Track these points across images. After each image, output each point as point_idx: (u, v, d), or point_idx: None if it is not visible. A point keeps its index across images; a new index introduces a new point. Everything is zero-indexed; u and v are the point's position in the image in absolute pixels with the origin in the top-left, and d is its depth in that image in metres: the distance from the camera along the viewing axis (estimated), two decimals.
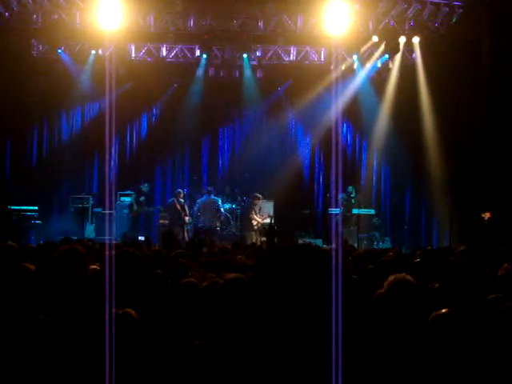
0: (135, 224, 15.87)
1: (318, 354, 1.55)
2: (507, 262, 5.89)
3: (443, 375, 3.14)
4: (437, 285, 4.49)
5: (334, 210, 15.54)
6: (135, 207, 15.84)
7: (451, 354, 3.22)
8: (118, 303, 3.30)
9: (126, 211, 16.02)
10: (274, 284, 1.54)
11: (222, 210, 15.86)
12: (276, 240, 11.71)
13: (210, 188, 16.18)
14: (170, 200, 16.01)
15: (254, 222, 15.39)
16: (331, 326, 1.54)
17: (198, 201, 15.94)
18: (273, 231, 12.12)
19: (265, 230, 14.70)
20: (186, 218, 15.34)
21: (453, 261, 5.57)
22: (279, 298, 1.53)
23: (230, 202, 16.43)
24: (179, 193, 15.62)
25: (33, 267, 4.50)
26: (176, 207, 15.28)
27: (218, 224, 15.73)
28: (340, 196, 15.22)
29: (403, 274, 3.83)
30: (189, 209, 15.79)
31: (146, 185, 16.21)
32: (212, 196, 15.81)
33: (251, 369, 1.59)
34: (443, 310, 3.38)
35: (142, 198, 16.00)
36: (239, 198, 16.51)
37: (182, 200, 15.52)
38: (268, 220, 15.84)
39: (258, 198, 15.60)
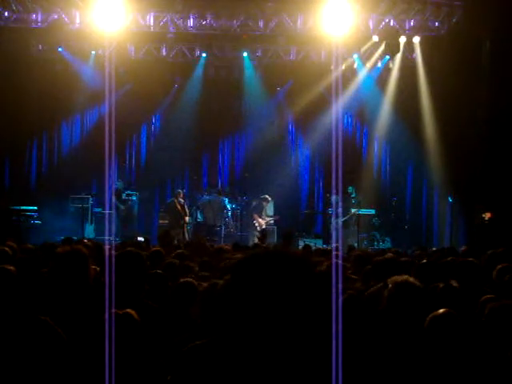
0: (128, 223, 15.83)
1: (299, 350, 1.60)
2: (507, 262, 5.88)
3: (442, 376, 3.13)
4: (441, 285, 4.47)
5: (331, 211, 15.57)
6: (121, 207, 15.81)
7: (449, 354, 3.20)
8: (120, 303, 3.29)
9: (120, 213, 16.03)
10: (248, 289, 1.61)
11: (228, 209, 15.87)
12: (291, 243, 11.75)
13: (219, 188, 16.27)
14: (169, 200, 16.01)
15: (256, 224, 15.38)
16: (310, 325, 1.60)
17: (203, 197, 15.99)
18: (289, 235, 12.20)
19: (264, 231, 14.80)
20: (186, 218, 15.32)
21: (457, 261, 5.56)
22: (253, 302, 1.59)
23: (230, 202, 16.44)
24: (179, 193, 15.60)
25: (13, 268, 4.46)
26: (176, 207, 15.26)
27: (221, 223, 15.72)
28: (333, 198, 15.24)
29: (406, 276, 3.77)
30: (189, 209, 15.80)
31: (118, 182, 16.17)
32: (222, 197, 15.83)
33: (244, 369, 1.60)
34: (441, 311, 3.36)
35: (123, 196, 15.97)
36: (239, 198, 16.52)
37: (182, 200, 15.51)
38: (272, 221, 15.89)
39: (267, 200, 15.65)
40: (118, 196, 15.87)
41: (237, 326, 1.62)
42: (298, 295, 1.59)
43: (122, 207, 15.80)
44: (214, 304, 3.37)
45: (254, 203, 15.94)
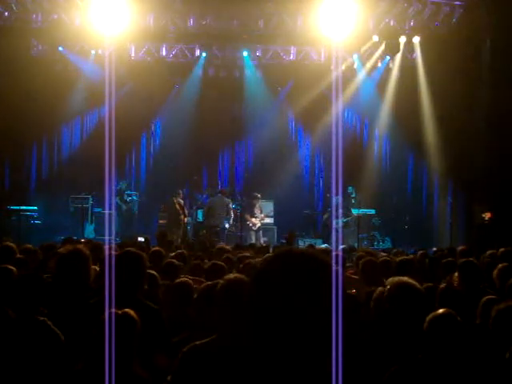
0: (129, 223, 15.81)
1: (315, 358, 1.57)
2: (507, 262, 5.89)
3: (443, 376, 3.13)
4: (442, 285, 4.47)
5: (332, 214, 15.59)
6: (124, 207, 15.81)
7: (449, 355, 3.20)
8: (120, 304, 3.28)
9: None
10: (271, 292, 1.57)
11: (231, 209, 15.82)
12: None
13: (224, 189, 16.21)
14: (167, 199, 15.77)
15: (250, 224, 15.29)
16: (328, 334, 1.56)
17: (207, 197, 15.94)
18: (293, 236, 12.29)
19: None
20: (185, 219, 15.11)
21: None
22: (277, 306, 1.55)
23: (231, 203, 16.43)
24: (178, 193, 15.27)
25: (14, 269, 4.47)
26: (175, 206, 15.01)
27: (223, 223, 15.65)
28: (334, 199, 15.18)
29: (405, 277, 3.77)
30: (189, 209, 15.77)
31: (122, 183, 16.18)
32: (225, 197, 15.77)
33: (251, 372, 1.59)
34: (440, 311, 3.36)
35: (125, 196, 15.99)
36: (239, 198, 16.50)
37: (182, 200, 15.32)
38: (267, 220, 15.84)
39: (257, 198, 15.53)
40: (121, 196, 15.87)
41: (254, 327, 1.59)
42: (322, 299, 1.56)
43: (124, 207, 15.80)
44: (213, 303, 3.37)
45: (244, 203, 15.89)
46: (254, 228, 15.31)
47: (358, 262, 6.44)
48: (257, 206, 15.49)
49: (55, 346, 3.40)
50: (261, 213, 15.55)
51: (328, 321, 1.55)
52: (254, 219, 15.34)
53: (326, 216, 16.30)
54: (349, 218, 15.63)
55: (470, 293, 4.85)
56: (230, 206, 15.64)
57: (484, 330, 3.86)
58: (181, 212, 15.01)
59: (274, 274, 1.59)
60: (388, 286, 3.66)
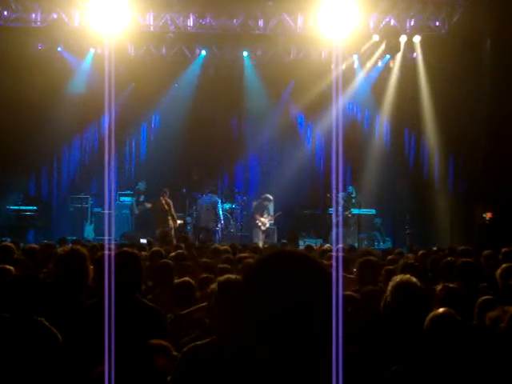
0: (138, 225, 15.70)
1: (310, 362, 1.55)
2: (508, 262, 5.87)
3: (443, 376, 3.11)
4: (440, 286, 4.47)
5: (333, 210, 15.53)
6: (136, 209, 15.73)
7: (449, 354, 3.19)
8: (118, 304, 3.27)
9: (126, 211, 15.96)
10: (261, 293, 1.56)
11: (220, 210, 15.72)
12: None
13: (212, 187, 16.08)
14: (155, 198, 15.50)
15: (259, 223, 15.30)
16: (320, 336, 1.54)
17: (198, 200, 15.84)
18: (294, 237, 12.31)
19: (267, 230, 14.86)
20: (176, 222, 14.66)
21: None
22: (267, 307, 1.54)
23: (229, 202, 16.37)
24: (165, 192, 14.86)
25: (13, 269, 4.46)
26: (164, 207, 14.62)
27: (216, 224, 15.57)
28: (340, 194, 15.10)
29: (408, 276, 3.81)
30: (188, 209, 15.70)
31: (141, 183, 16.09)
32: (214, 196, 15.66)
33: (250, 372, 1.58)
34: (440, 310, 3.35)
35: (141, 198, 15.90)
36: (238, 197, 16.47)
37: (170, 200, 14.81)
38: (273, 221, 15.86)
39: (269, 200, 15.57)
40: (137, 197, 15.77)
41: (246, 325, 1.58)
42: (313, 299, 1.55)
43: (137, 209, 15.72)
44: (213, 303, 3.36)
45: (255, 203, 15.87)
46: (262, 228, 15.35)
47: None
48: (268, 207, 15.54)
49: (53, 347, 3.39)
50: (269, 215, 15.59)
51: (321, 321, 1.53)
52: (263, 219, 15.37)
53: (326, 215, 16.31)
54: (347, 213, 15.55)
55: (469, 293, 4.83)
56: (219, 206, 15.53)
57: (481, 330, 3.85)
58: (169, 212, 14.62)
59: (265, 274, 1.57)
60: (392, 282, 3.76)
